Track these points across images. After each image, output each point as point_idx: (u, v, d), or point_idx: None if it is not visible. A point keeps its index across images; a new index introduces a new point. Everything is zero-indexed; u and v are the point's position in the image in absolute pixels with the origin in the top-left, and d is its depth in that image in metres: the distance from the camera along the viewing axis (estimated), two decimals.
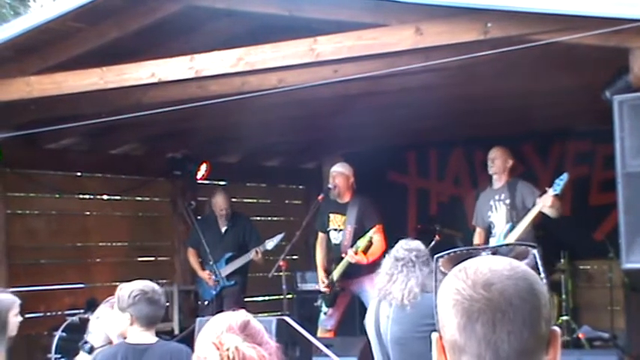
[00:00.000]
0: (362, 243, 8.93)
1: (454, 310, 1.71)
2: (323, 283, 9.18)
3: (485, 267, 1.72)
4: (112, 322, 5.33)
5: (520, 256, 1.82)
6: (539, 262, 1.82)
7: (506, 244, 1.84)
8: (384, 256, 8.92)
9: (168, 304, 10.89)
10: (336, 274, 9.08)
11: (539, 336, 1.69)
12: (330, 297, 9.11)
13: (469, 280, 1.71)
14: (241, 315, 2.66)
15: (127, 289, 5.03)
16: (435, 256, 1.88)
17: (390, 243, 10.79)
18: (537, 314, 1.69)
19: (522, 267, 1.74)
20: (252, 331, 2.60)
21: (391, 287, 5.61)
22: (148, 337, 5.00)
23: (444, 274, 1.79)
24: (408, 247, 5.73)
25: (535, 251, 1.87)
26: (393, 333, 5.61)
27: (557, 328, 1.74)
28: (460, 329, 1.69)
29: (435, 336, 1.78)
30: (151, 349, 4.96)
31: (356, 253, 8.92)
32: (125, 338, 5.09)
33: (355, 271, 9.10)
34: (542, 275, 1.77)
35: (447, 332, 1.73)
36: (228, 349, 2.48)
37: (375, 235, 9.07)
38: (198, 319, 7.72)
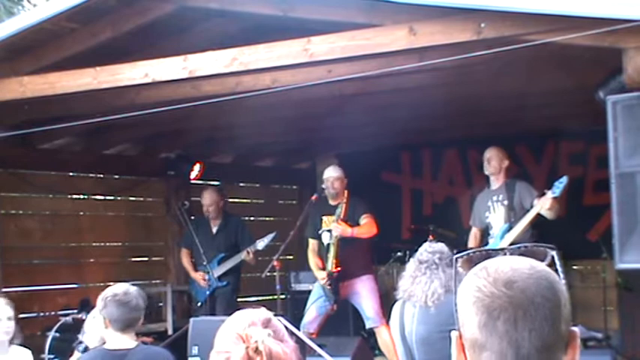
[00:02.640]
0: (340, 209, 9.03)
1: (475, 307, 1.71)
2: (323, 279, 9.13)
3: (506, 266, 1.73)
4: (94, 325, 5.35)
5: (538, 258, 1.82)
6: (557, 263, 1.83)
7: (525, 245, 1.84)
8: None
9: (161, 304, 10.92)
10: (329, 263, 9.05)
11: (559, 334, 1.70)
12: (332, 289, 9.04)
13: (490, 277, 1.71)
14: (263, 312, 2.65)
15: (104, 292, 5.04)
16: (455, 256, 1.89)
17: (385, 242, 10.88)
18: (558, 313, 1.70)
19: (543, 266, 1.76)
20: (274, 328, 2.60)
21: (414, 289, 5.65)
22: (126, 342, 4.96)
23: (464, 274, 1.80)
24: (431, 249, 5.79)
25: (554, 252, 1.88)
26: (418, 333, 5.65)
27: (576, 329, 1.75)
28: (481, 326, 1.70)
29: (454, 334, 1.79)
30: (129, 355, 4.93)
31: (338, 222, 8.97)
32: (105, 342, 5.08)
33: (344, 275, 9.09)
34: (562, 276, 1.78)
35: (467, 330, 1.73)
36: (256, 342, 2.46)
37: (364, 219, 9.08)
38: (191, 320, 7.72)
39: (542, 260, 1.82)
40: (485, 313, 1.69)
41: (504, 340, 1.68)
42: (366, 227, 9.08)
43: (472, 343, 1.73)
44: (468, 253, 1.87)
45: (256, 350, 2.45)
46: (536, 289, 1.69)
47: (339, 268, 9.02)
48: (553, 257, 1.87)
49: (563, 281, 1.77)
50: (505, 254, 1.84)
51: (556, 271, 1.78)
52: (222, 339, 2.54)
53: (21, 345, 6.09)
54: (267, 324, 2.58)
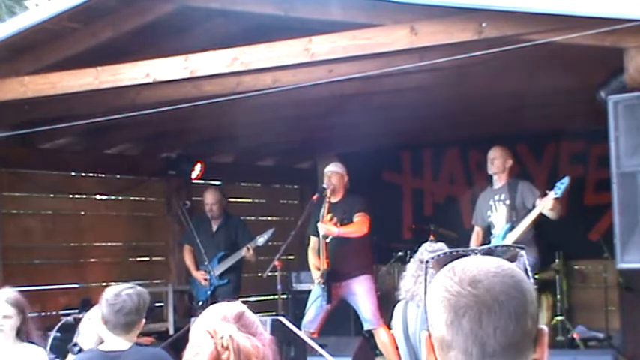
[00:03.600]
0: (324, 209, 9.03)
1: (442, 306, 1.73)
2: (316, 277, 9.10)
3: (472, 265, 1.76)
4: (89, 326, 5.37)
5: (512, 259, 1.84)
6: (527, 264, 1.85)
7: (496, 246, 1.88)
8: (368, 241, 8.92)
9: (162, 304, 10.90)
10: (322, 262, 9.01)
11: (525, 331, 1.71)
12: (326, 287, 8.99)
13: (456, 277, 1.74)
14: (236, 306, 2.67)
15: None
16: (426, 257, 1.91)
17: (386, 242, 10.85)
18: (523, 310, 1.71)
19: (509, 265, 1.78)
20: (246, 322, 2.61)
21: (417, 288, 5.66)
22: (120, 343, 4.94)
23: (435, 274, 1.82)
24: (432, 249, 5.81)
25: (523, 252, 1.90)
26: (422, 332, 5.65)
27: (544, 327, 1.77)
28: (447, 325, 1.72)
29: (424, 334, 1.81)
30: (122, 356, 4.92)
31: (322, 222, 8.96)
32: (101, 343, 5.09)
33: (343, 275, 9.06)
34: (530, 274, 1.80)
35: (436, 329, 1.76)
36: (222, 338, 2.48)
37: (357, 217, 9.05)
38: (192, 320, 7.72)
39: (512, 261, 1.84)
40: (452, 312, 1.71)
41: (469, 338, 1.70)
42: (355, 226, 9.01)
43: (440, 342, 1.75)
44: (439, 255, 1.90)
45: (224, 346, 2.47)
46: (500, 288, 1.71)
47: (329, 267, 8.98)
48: (523, 258, 1.89)
49: (532, 280, 1.79)
50: (475, 254, 1.85)
51: (525, 270, 1.80)
52: (195, 333, 2.57)
53: (35, 343, 6.10)
54: (239, 318, 2.60)
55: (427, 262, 1.89)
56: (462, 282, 1.72)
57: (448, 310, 1.72)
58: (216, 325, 2.53)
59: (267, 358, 2.60)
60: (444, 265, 1.81)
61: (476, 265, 1.75)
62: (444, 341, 1.73)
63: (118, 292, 4.99)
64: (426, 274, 1.88)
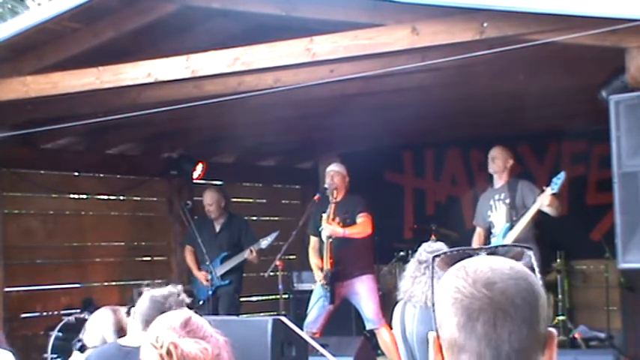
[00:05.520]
0: (329, 209, 9.01)
1: (454, 308, 1.69)
2: (319, 278, 9.10)
3: (485, 266, 1.71)
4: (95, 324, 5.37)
5: (516, 257, 1.81)
6: (534, 264, 1.81)
7: (503, 245, 1.82)
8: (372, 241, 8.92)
9: None
10: (325, 262, 9.01)
11: (537, 335, 1.69)
12: (329, 287, 8.98)
13: (469, 278, 1.70)
14: (182, 313, 2.69)
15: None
16: (432, 255, 1.87)
17: (387, 242, 10.84)
18: (537, 314, 1.69)
19: (522, 267, 1.74)
20: (193, 327, 2.63)
21: (414, 289, 5.68)
22: (140, 340, 4.92)
23: (441, 274, 1.79)
24: (430, 249, 5.83)
25: (531, 253, 1.86)
26: (419, 333, 5.68)
27: (553, 330, 1.74)
28: (460, 327, 1.68)
29: (432, 335, 1.77)
30: (134, 352, 4.90)
31: (328, 222, 8.94)
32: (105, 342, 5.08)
33: (345, 275, 9.06)
34: (539, 276, 1.77)
35: (446, 331, 1.72)
36: (162, 346, 2.49)
37: (360, 218, 9.04)
38: None
39: (519, 260, 1.80)
40: (465, 314, 1.68)
41: (483, 342, 1.66)
42: (360, 227, 9.01)
43: (450, 344, 1.71)
44: (446, 253, 1.86)
45: (168, 353, 2.48)
46: (515, 291, 1.68)
47: (332, 268, 8.97)
48: (530, 258, 1.85)
49: (541, 282, 1.76)
50: (482, 254, 1.82)
51: (534, 271, 1.76)
52: (143, 347, 2.57)
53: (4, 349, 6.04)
54: (185, 324, 2.61)
55: (433, 260, 1.86)
56: (475, 283, 1.68)
57: (461, 312, 1.68)
58: (159, 334, 2.54)
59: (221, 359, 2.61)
60: (451, 264, 1.78)
61: (489, 266, 1.71)
62: (456, 344, 1.70)
63: (163, 294, 4.96)
64: (432, 272, 1.85)
